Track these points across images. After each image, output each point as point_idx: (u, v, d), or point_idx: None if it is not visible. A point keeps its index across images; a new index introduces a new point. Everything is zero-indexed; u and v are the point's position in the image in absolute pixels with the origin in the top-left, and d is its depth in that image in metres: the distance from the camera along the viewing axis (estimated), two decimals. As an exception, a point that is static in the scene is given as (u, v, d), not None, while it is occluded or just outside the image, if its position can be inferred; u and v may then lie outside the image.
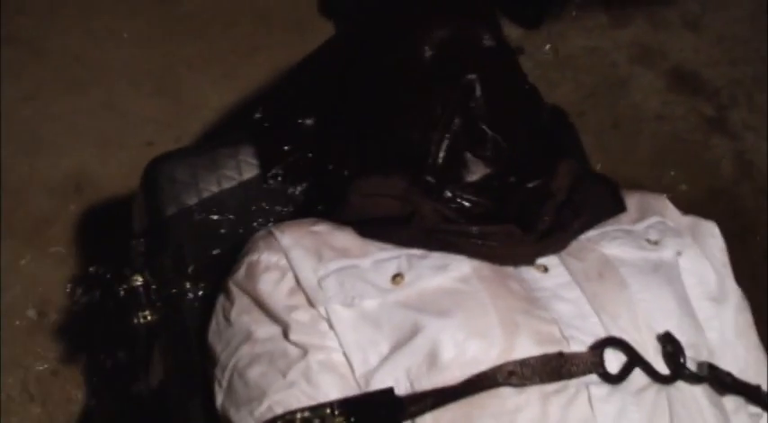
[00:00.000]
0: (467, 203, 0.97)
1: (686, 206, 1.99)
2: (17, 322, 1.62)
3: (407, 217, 0.93)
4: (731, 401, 0.94)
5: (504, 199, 0.97)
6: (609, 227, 1.01)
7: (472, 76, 0.99)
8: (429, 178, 0.97)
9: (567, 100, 2.11)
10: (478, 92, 0.99)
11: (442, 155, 0.98)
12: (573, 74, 2.16)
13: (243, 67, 1.94)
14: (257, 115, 1.21)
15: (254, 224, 1.13)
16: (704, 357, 0.92)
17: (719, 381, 0.91)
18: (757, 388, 0.94)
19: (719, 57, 2.26)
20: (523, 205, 0.96)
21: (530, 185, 0.98)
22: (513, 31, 2.14)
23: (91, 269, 1.54)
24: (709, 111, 2.19)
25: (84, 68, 1.87)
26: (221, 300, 0.98)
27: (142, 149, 1.79)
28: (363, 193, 0.97)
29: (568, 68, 2.17)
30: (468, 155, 0.99)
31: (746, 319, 1.05)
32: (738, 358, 1.00)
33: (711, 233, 1.09)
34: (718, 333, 0.99)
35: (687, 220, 1.10)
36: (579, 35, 2.21)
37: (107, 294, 1.50)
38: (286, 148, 1.17)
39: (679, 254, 1.01)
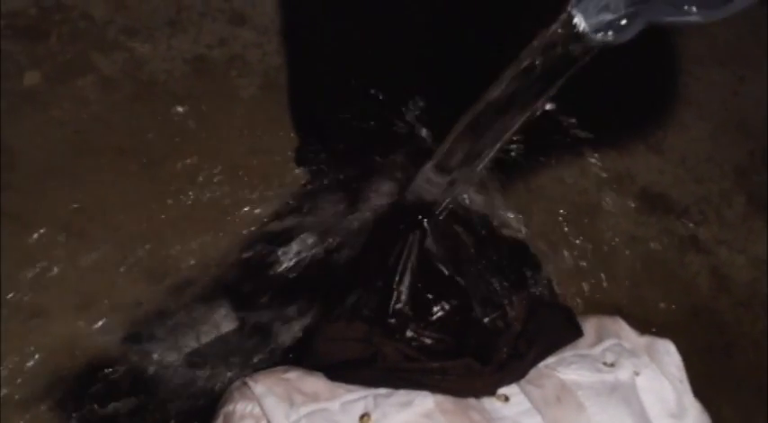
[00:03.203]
0: (428, 341, 1.02)
1: (667, 324, 2.04)
2: None
3: (371, 358, 0.98)
4: None
5: (463, 334, 1.02)
6: (567, 352, 1.06)
7: (424, 223, 1.06)
8: (391, 320, 1.03)
9: (540, 230, 2.18)
10: (431, 237, 1.06)
11: (404, 298, 1.04)
12: (544, 203, 2.23)
13: (227, 224, 2.01)
14: (233, 272, 1.27)
15: (233, 375, 1.17)
16: (667, 473, 0.96)
17: (682, 494, 0.93)
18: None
19: (685, 176, 2.34)
20: (481, 339, 1.01)
21: (487, 319, 1.03)
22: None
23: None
24: (681, 229, 2.26)
25: (72, 237, 1.93)
26: (202, 452, 1.02)
27: (133, 311, 1.84)
28: (328, 339, 1.02)
29: (540, 198, 2.24)
30: (429, 295, 1.05)
31: (707, 432, 1.08)
32: (702, 471, 1.03)
33: (667, 351, 1.13)
34: (681, 448, 1.03)
35: (643, 341, 1.14)
36: (547, 165, 2.29)
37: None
38: (261, 301, 1.23)
39: (636, 374, 1.05)
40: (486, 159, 1.04)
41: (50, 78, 2.09)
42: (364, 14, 1.76)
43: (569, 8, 0.83)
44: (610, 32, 0.84)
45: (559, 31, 0.86)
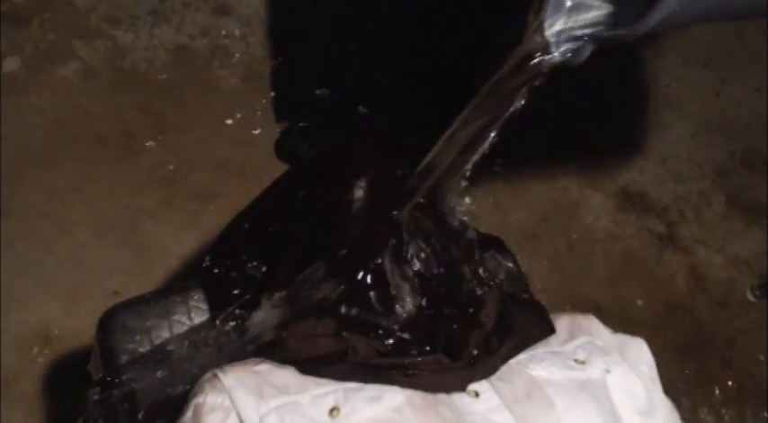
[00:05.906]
0: (401, 336, 1.02)
1: (643, 322, 2.05)
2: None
3: (342, 353, 0.98)
4: None
5: (435, 330, 1.02)
6: (538, 349, 1.06)
7: (398, 214, 1.06)
8: (363, 316, 1.03)
9: (520, 226, 2.19)
10: (403, 232, 1.06)
11: (375, 294, 1.04)
12: (525, 200, 2.24)
13: (204, 215, 2.01)
14: (206, 262, 1.27)
15: (204, 366, 1.17)
16: (635, 470, 0.96)
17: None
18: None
19: (665, 175, 2.35)
20: (453, 335, 1.01)
21: (458, 315, 1.03)
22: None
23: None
24: (660, 228, 2.27)
25: (48, 224, 1.93)
26: (172, 444, 1.01)
27: (108, 299, 1.83)
28: (298, 336, 1.02)
29: (520, 195, 2.24)
30: (400, 291, 1.05)
31: (676, 429, 1.08)
32: (670, 468, 1.03)
33: (639, 349, 1.13)
34: (650, 446, 1.03)
35: (615, 339, 1.14)
36: (529, 163, 2.30)
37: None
38: (234, 292, 1.23)
39: (607, 371, 1.05)
40: (469, 166, 1.04)
41: (31, 65, 2.08)
42: (351, 8, 1.76)
43: (542, 20, 0.83)
44: (569, 52, 0.84)
45: (533, 43, 0.86)
